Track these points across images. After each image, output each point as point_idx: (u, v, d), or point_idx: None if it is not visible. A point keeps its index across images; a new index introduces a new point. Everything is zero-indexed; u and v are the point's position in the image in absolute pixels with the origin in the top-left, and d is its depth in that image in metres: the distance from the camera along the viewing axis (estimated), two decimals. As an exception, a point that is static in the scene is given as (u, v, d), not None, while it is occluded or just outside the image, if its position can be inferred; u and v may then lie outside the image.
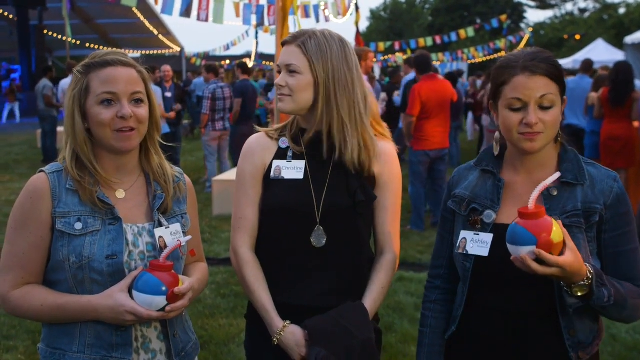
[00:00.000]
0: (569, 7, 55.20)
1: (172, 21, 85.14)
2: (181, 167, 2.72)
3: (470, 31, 24.57)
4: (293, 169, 1.90)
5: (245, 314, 2.05)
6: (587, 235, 1.63)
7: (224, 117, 9.18)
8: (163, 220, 1.75)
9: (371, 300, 1.90)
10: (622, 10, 43.39)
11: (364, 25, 61.94)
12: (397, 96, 10.06)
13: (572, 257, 1.46)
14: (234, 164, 9.44)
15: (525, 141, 1.62)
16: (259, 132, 2.03)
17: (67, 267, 1.62)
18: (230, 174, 8.26)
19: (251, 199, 1.93)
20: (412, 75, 7.93)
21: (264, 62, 27.95)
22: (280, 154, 1.93)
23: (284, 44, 1.91)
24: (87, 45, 26.94)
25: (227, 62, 25.47)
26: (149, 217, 1.75)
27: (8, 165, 11.98)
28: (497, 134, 1.77)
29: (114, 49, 1.78)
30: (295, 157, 1.92)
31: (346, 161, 1.86)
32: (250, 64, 14.77)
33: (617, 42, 27.88)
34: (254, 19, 13.30)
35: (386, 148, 1.96)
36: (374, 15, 59.56)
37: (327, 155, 1.89)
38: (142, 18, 26.50)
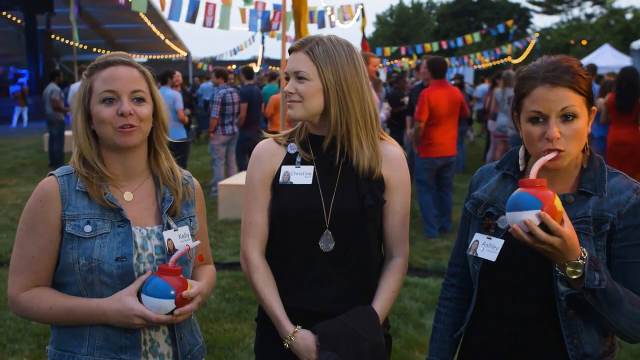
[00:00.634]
0: (575, 12, 55.05)
1: (179, 26, 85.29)
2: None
3: (477, 36, 24.61)
4: (302, 174, 1.90)
5: (256, 317, 2.06)
6: (596, 244, 1.58)
7: (233, 121, 9.22)
8: (172, 223, 1.75)
9: (381, 304, 1.90)
10: (629, 16, 43.33)
11: (370, 30, 62.08)
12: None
13: (570, 230, 1.45)
14: (239, 168, 9.50)
15: (549, 161, 1.56)
16: (263, 136, 2.04)
17: (77, 270, 1.63)
18: (235, 179, 8.27)
19: (261, 204, 1.93)
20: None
21: (269, 67, 28.04)
22: (289, 160, 1.94)
23: (290, 50, 1.91)
24: (94, 50, 27.01)
25: (234, 66, 25.56)
26: (158, 220, 1.76)
27: (15, 169, 12.05)
28: (521, 150, 1.74)
29: (120, 52, 1.79)
30: (304, 162, 1.92)
31: (359, 165, 1.87)
32: (256, 68, 14.79)
33: (623, 47, 27.82)
34: (259, 24, 13.30)
35: (394, 152, 1.96)
36: (380, 20, 59.68)
37: (337, 160, 1.89)
38: (149, 23, 26.59)
